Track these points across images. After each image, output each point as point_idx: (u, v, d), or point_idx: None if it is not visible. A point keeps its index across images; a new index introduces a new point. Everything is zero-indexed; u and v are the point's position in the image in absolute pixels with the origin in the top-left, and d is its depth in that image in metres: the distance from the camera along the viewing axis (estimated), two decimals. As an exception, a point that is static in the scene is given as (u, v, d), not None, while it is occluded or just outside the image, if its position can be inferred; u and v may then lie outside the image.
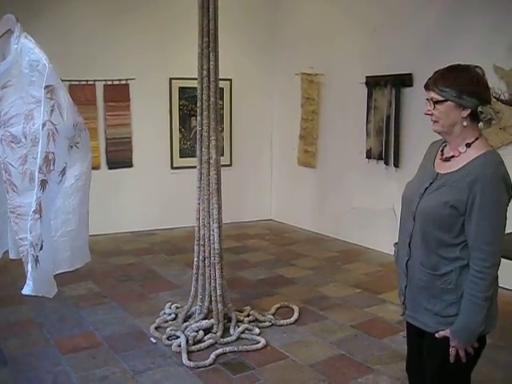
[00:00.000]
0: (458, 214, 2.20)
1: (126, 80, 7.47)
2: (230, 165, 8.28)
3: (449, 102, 2.23)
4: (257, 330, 4.43)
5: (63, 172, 2.69)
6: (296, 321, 4.69)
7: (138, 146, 7.70)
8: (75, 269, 3.01)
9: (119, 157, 7.59)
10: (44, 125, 2.63)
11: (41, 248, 2.71)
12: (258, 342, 4.23)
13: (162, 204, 7.85)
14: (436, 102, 2.27)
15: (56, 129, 2.63)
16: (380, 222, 6.73)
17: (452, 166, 2.30)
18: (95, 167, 7.25)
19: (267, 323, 4.60)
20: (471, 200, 2.16)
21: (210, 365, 3.91)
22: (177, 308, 4.84)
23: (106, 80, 7.36)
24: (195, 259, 4.51)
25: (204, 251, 4.44)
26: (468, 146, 2.27)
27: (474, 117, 2.25)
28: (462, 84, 2.21)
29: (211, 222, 4.40)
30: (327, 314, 4.85)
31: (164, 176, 7.88)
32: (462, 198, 2.18)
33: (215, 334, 4.31)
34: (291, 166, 8.15)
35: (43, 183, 2.66)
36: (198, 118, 4.38)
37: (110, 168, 7.56)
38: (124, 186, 7.68)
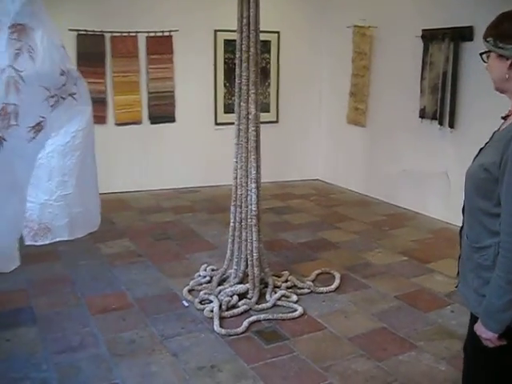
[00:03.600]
0: (492, 178, 1.88)
1: (170, 32, 7.19)
2: (276, 121, 7.98)
3: (492, 53, 1.96)
4: (294, 297, 4.20)
5: (38, 128, 2.26)
6: (337, 288, 4.43)
7: (181, 100, 7.46)
8: (75, 238, 2.63)
9: (162, 111, 7.38)
10: (2, 71, 2.14)
11: None
12: (295, 310, 4.01)
13: (206, 161, 7.67)
14: (487, 56, 2.01)
15: (21, 76, 2.16)
16: (432, 186, 6.34)
17: (505, 125, 1.99)
18: (137, 121, 7.15)
19: (306, 290, 4.36)
20: (504, 162, 1.84)
21: (242, 333, 3.71)
22: (212, 270, 4.64)
23: (148, 32, 7.09)
24: (231, 220, 4.28)
25: (241, 212, 4.20)
26: None
27: None
28: (501, 31, 1.91)
29: (249, 182, 4.14)
30: (370, 283, 4.57)
31: (208, 132, 7.66)
32: (496, 159, 1.87)
33: (250, 299, 4.11)
34: (340, 124, 7.77)
35: None
36: (237, 69, 4.08)
37: (152, 123, 7.38)
38: (166, 141, 7.50)
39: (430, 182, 6.35)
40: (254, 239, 4.16)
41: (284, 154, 8.04)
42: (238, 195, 4.20)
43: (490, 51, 1.97)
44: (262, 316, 3.92)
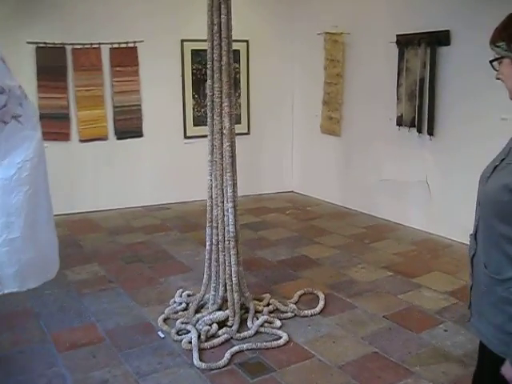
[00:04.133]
0: None
1: (134, 43, 6.88)
2: (247, 133, 7.72)
3: (504, 60, 1.74)
4: (278, 323, 3.92)
5: None
6: (321, 310, 4.17)
7: (149, 114, 7.15)
8: (27, 289, 2.25)
9: (128, 126, 7.05)
10: None
11: None
12: (280, 338, 3.73)
13: (176, 176, 7.37)
14: (498, 63, 1.78)
15: None
16: (412, 195, 6.15)
17: None
18: (102, 137, 6.83)
19: (289, 314, 4.09)
20: None
21: (224, 366, 3.42)
22: (188, 296, 4.34)
23: (112, 43, 6.77)
24: (207, 243, 3.99)
25: (217, 234, 3.91)
26: None
27: None
28: None
29: (225, 201, 3.86)
30: (356, 302, 4.32)
31: (177, 146, 7.35)
32: None
33: (231, 327, 3.82)
34: (314, 134, 7.54)
35: None
36: (209, 81, 3.81)
37: (118, 138, 7.04)
38: (134, 157, 7.18)
39: (410, 191, 6.16)
40: (233, 262, 3.88)
41: (256, 167, 7.79)
42: (213, 216, 3.92)
43: (502, 57, 1.74)
44: (245, 346, 3.63)
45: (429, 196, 5.91)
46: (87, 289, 4.65)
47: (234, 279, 3.88)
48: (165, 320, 4.01)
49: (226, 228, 3.86)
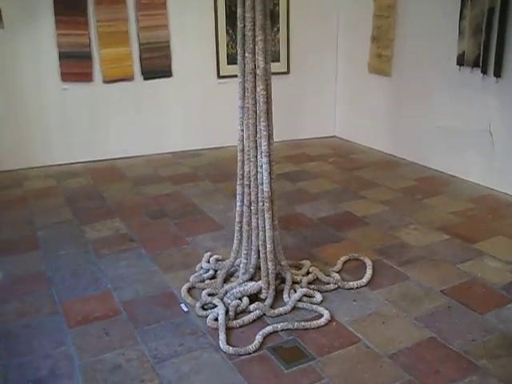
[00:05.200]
0: None
1: (162, -30, 6.20)
2: (286, 72, 7.03)
3: None
4: (318, 297, 3.40)
5: None
6: (369, 282, 3.62)
7: (178, 51, 6.51)
8: None
9: (156, 65, 6.43)
10: None
11: None
12: (321, 316, 3.21)
13: (208, 119, 6.79)
14: None
15: None
16: (472, 145, 5.44)
17: None
18: (128, 78, 6.33)
19: (332, 286, 3.55)
20: None
21: (255, 351, 2.93)
22: (217, 261, 3.84)
23: (137, -29, 6.10)
24: (238, 203, 3.44)
25: (250, 194, 3.35)
26: None
27: None
28: None
29: (259, 156, 3.28)
30: (409, 272, 3.75)
31: (210, 87, 6.74)
32: None
33: (263, 301, 3.31)
34: (360, 73, 6.80)
35: None
36: (239, 10, 3.16)
37: (145, 78, 6.44)
38: (163, 99, 6.60)
39: (470, 140, 5.45)
40: (267, 227, 3.33)
41: (296, 109, 7.13)
42: (245, 172, 3.35)
43: None
44: (280, 326, 3.12)
45: (491, 146, 5.20)
46: (106, 249, 4.19)
47: (268, 246, 3.35)
48: (189, 290, 3.53)
49: (260, 187, 3.30)
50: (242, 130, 3.31)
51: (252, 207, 3.36)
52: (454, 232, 4.37)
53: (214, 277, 3.67)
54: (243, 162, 3.35)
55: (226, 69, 6.69)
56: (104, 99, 6.32)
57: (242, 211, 3.41)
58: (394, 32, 6.19)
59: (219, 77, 6.74)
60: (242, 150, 3.34)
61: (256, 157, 3.28)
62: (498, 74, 4.96)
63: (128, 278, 3.75)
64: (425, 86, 5.89)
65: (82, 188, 5.62)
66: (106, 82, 6.27)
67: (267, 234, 3.34)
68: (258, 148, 3.26)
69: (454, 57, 5.38)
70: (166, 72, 6.51)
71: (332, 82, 7.35)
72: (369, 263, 3.82)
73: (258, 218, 3.35)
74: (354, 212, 4.84)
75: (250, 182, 3.32)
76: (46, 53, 5.98)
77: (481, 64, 5.08)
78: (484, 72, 5.08)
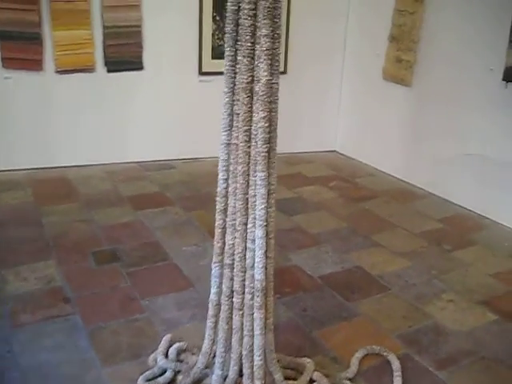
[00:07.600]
0: None
1: None
2: (283, 72, 5.83)
3: None
4: (328, 434, 2.26)
5: None
6: (398, 398, 2.50)
7: (152, 38, 5.34)
8: None
9: (124, 54, 5.25)
10: None
11: None
12: None
13: (185, 124, 5.66)
14: None
15: None
16: (509, 180, 4.36)
17: None
18: (88, 68, 5.21)
19: (346, 408, 2.41)
20: None
21: None
22: (179, 354, 2.65)
23: None
24: (212, 290, 2.26)
25: (231, 279, 2.18)
26: None
27: None
28: None
29: (250, 224, 2.11)
30: (453, 381, 2.62)
31: (189, 84, 5.60)
32: None
33: None
34: (372, 79, 5.66)
35: None
36: (231, -5, 1.98)
37: (109, 70, 5.27)
38: (130, 96, 5.45)
39: (509, 174, 4.36)
40: (257, 332, 2.16)
41: (292, 117, 5.95)
42: (226, 246, 2.18)
43: None
44: None
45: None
46: (28, 314, 2.99)
47: (257, 359, 2.18)
48: (135, 406, 2.36)
49: (249, 272, 2.13)
50: (226, 181, 2.13)
51: (235, 299, 2.18)
52: (501, 309, 3.26)
53: (172, 381, 2.50)
54: (224, 229, 2.17)
55: (210, 64, 5.53)
56: (56, 93, 5.17)
57: (219, 302, 2.23)
58: (418, 32, 5.04)
59: (201, 73, 5.60)
60: (224, 212, 2.15)
61: (246, 225, 2.10)
62: (560, 97, 3.85)
63: (49, 372, 2.55)
64: (455, 102, 4.76)
65: (17, 207, 4.42)
66: (59, 72, 5.10)
67: (256, 342, 2.17)
68: (250, 212, 2.08)
69: (499, 70, 4.25)
70: (135, 63, 5.34)
71: (336, 88, 6.20)
72: (395, 365, 2.68)
73: (242, 316, 2.18)
74: (367, 268, 3.70)
75: (234, 261, 2.14)
76: (-18, 31, 4.76)
77: (537, 82, 3.96)
78: (541, 92, 3.97)
